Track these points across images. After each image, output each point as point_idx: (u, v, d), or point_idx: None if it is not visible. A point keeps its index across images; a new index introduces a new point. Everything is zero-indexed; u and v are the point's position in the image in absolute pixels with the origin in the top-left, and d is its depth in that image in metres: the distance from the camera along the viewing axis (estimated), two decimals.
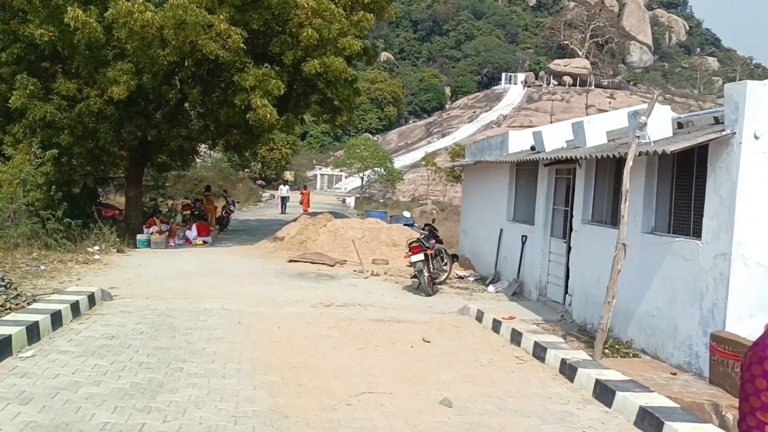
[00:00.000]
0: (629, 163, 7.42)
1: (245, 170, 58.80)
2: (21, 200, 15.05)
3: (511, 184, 13.77)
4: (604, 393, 6.05)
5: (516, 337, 8.13)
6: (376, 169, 58.54)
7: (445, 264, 13.09)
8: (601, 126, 10.35)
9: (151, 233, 17.75)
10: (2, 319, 6.88)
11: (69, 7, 13.73)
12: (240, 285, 11.53)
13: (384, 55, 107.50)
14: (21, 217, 15.04)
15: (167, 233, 18.13)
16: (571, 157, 9.61)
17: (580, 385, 6.42)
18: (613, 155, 8.27)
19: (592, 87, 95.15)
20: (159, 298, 9.77)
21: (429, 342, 7.81)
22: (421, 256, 11.65)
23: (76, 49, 14.99)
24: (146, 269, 13.03)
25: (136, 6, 13.66)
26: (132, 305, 9.00)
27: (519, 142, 13.91)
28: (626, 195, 7.45)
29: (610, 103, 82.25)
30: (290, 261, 15.07)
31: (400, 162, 71.49)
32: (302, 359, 6.70)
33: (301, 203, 34.60)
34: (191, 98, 17.16)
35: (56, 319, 7.28)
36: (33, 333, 6.56)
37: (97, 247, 15.32)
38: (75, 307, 7.94)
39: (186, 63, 16.49)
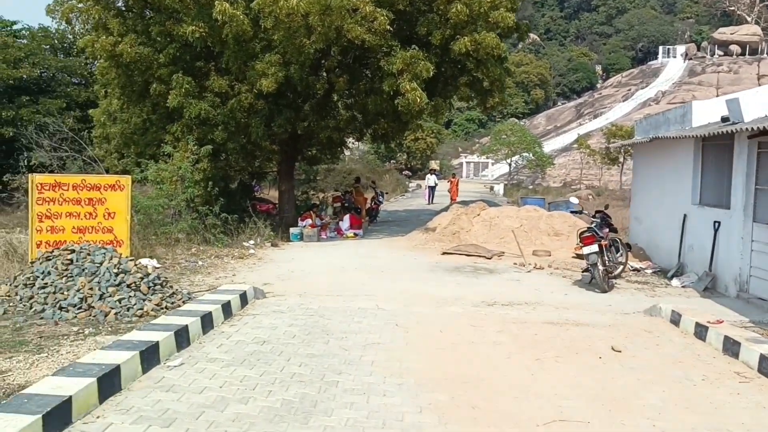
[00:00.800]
0: None
1: (391, 161, 59.01)
2: (180, 197, 15.40)
3: (697, 163, 11.93)
4: None
5: (731, 347, 6.63)
6: (524, 154, 56.34)
7: (620, 255, 11.59)
8: None
9: (304, 226, 17.65)
10: (153, 323, 6.53)
11: (217, 2, 13.71)
12: (393, 280, 10.81)
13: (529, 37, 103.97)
14: (183, 213, 15.43)
15: (320, 227, 17.97)
16: None
17: None
18: None
19: (765, 55, 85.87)
20: (312, 296, 9.26)
21: (620, 352, 6.55)
22: (594, 248, 10.28)
23: (226, 44, 15.02)
24: (299, 264, 12.72)
25: None
26: (284, 304, 8.53)
27: (705, 114, 12.03)
28: None
29: None
30: (443, 253, 14.19)
31: (549, 146, 68.66)
32: (472, 372, 5.75)
33: (449, 192, 33.72)
34: (338, 87, 16.76)
35: (207, 321, 6.88)
36: (182, 338, 6.15)
37: (252, 242, 15.38)
38: (226, 308, 7.55)
39: (332, 51, 16.10)
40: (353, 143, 36.48)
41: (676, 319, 7.86)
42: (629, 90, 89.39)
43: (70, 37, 35.09)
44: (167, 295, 8.54)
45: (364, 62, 17.15)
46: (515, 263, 13.05)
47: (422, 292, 9.78)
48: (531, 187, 52.91)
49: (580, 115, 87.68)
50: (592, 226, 11.06)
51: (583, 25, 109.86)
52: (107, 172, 23.78)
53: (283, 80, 15.01)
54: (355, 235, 18.30)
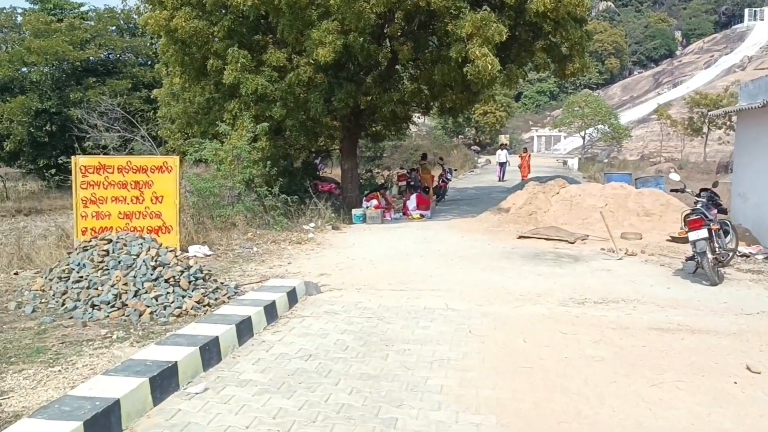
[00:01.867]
0: None
1: (459, 137, 57.39)
2: (237, 177, 14.60)
3: None
4: None
5: None
6: (599, 126, 53.55)
7: (730, 241, 9.94)
8: None
9: (368, 207, 16.60)
10: (178, 333, 5.48)
11: None
12: (464, 270, 9.56)
13: (603, 4, 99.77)
14: (242, 195, 14.69)
15: (384, 208, 16.89)
16: None
17: None
18: None
19: None
20: (371, 290, 8.14)
21: (759, 373, 5.13)
22: (703, 233, 8.71)
23: (280, 11, 13.96)
24: (360, 249, 11.65)
25: None
26: (339, 302, 7.42)
27: None
28: None
29: None
30: (520, 237, 12.79)
31: (625, 117, 65.34)
32: (570, 405, 4.47)
33: (519, 168, 31.98)
34: (402, 56, 15.41)
35: (245, 329, 5.81)
36: (210, 354, 5.08)
37: (312, 224, 14.48)
38: (270, 310, 6.47)
39: (395, 16, 14.80)
40: (419, 118, 35.16)
41: None
42: (712, 56, 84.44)
43: (136, 17, 35.04)
44: (210, 290, 7.61)
45: (430, 28, 15.77)
46: (603, 248, 11.55)
47: (498, 285, 8.50)
48: (606, 160, 50.28)
49: (658, 84, 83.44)
50: (698, 206, 9.47)
51: None
52: (174, 152, 23.38)
53: (341, 49, 13.85)
54: (422, 216, 17.10)
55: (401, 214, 17.52)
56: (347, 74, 16.28)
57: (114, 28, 35.38)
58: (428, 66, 15.97)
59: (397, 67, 17.31)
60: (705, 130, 47.11)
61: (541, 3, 13.02)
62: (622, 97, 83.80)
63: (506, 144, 42.19)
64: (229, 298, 7.53)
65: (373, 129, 21.15)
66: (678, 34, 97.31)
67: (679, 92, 71.27)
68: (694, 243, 8.80)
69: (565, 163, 46.35)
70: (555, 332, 6.22)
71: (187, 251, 10.96)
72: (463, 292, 7.99)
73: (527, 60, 16.58)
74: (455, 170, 30.57)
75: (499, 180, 31.86)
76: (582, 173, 35.62)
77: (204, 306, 7.23)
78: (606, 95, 79.89)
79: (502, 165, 33.07)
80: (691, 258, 9.23)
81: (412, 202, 17.64)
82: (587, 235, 12.68)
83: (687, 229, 8.94)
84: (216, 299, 7.46)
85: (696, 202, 9.76)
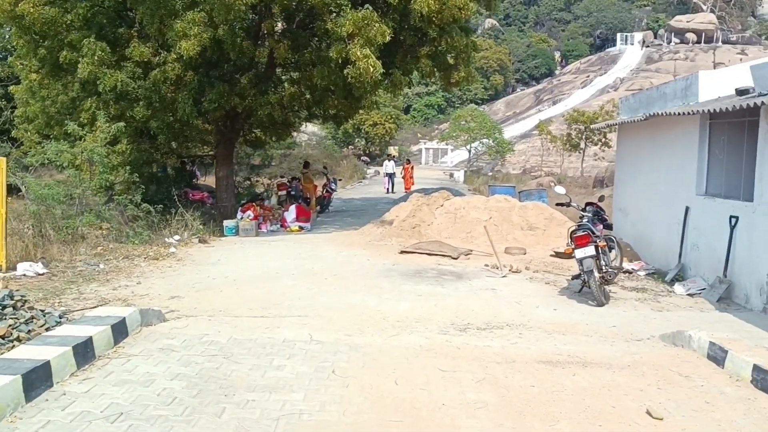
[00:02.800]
0: None
1: (349, 147, 56.77)
2: (89, 184, 12.95)
3: (703, 145, 9.97)
4: None
5: None
6: (483, 140, 54.66)
7: (615, 258, 9.54)
8: None
9: (241, 219, 15.26)
10: None
11: None
12: (338, 292, 8.55)
13: (489, 22, 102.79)
14: (101, 203, 13.07)
15: (260, 220, 15.60)
16: None
17: None
18: None
19: (719, 43, 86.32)
20: (226, 317, 6.95)
21: (661, 419, 4.43)
22: (590, 250, 8.19)
23: None
24: (225, 267, 10.40)
25: None
26: (182, 334, 6.16)
27: (713, 86, 10.09)
28: None
29: (741, 59, 73.65)
30: (402, 252, 11.96)
31: (508, 132, 67.15)
32: None
33: (403, 179, 31.57)
34: (278, 55, 14.18)
35: (38, 379, 4.43)
36: None
37: (177, 237, 13.02)
38: (83, 350, 5.10)
39: (272, 12, 13.65)
40: (305, 126, 33.94)
41: (717, 356, 5.73)
42: (588, 77, 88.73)
43: None
44: (22, 320, 6.16)
45: (311, 27, 14.75)
46: (487, 265, 10.90)
47: (373, 309, 7.54)
48: (491, 173, 51.24)
49: (539, 101, 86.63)
50: (584, 221, 8.98)
51: (542, 11, 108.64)
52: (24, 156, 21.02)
53: (209, 44, 12.56)
54: (301, 228, 15.95)
55: (279, 226, 16.30)
56: (220, 73, 14.93)
57: None
58: (309, 68, 14.92)
59: (277, 69, 16.17)
60: (582, 145, 48.99)
61: (425, 4, 12.32)
62: (506, 112, 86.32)
63: (394, 155, 41.83)
64: (48, 329, 6.13)
65: (253, 134, 19.84)
66: (557, 55, 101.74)
67: (558, 110, 74.15)
68: (580, 261, 8.26)
69: (451, 175, 46.72)
70: (433, 369, 5.31)
71: (15, 269, 9.33)
72: (332, 320, 6.96)
73: (412, 66, 15.89)
74: (341, 180, 29.70)
75: (388, 192, 31.25)
76: (467, 185, 35.80)
77: (11, 341, 5.81)
78: (491, 110, 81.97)
79: (390, 176, 32.52)
80: (577, 276, 8.70)
81: (290, 213, 16.45)
82: (471, 250, 12.05)
83: (573, 246, 8.40)
84: (29, 331, 6.04)
85: (581, 217, 9.30)
